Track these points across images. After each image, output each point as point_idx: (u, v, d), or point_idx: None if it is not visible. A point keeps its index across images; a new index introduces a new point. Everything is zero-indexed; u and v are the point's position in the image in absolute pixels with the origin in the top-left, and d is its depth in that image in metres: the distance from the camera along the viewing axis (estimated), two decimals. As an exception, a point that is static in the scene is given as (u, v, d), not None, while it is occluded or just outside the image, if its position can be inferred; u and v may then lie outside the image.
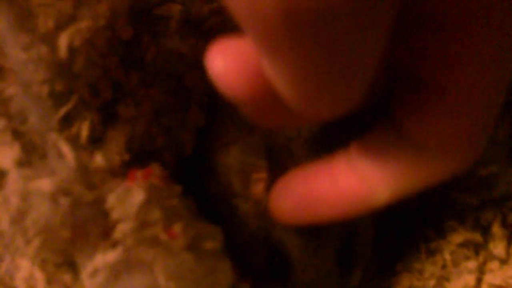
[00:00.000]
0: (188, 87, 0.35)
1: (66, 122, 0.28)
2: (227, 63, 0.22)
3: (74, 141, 0.27)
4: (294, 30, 0.15)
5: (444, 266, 0.35)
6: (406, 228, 0.39)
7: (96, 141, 0.29)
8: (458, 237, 0.35)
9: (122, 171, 0.27)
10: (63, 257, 0.23)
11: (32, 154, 0.25)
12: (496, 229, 0.34)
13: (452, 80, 0.19)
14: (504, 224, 0.34)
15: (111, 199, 0.24)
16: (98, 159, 0.26)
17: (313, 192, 0.25)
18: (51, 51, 0.27)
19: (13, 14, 0.27)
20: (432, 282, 0.35)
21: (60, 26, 0.27)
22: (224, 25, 0.37)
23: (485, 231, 0.34)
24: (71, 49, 0.27)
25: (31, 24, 0.27)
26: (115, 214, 0.23)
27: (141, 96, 0.31)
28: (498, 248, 0.34)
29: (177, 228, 0.24)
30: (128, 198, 0.24)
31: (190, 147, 0.35)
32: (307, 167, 0.27)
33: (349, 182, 0.24)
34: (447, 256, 0.35)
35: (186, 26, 0.35)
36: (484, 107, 0.19)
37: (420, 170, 0.23)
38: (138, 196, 0.24)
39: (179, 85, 0.35)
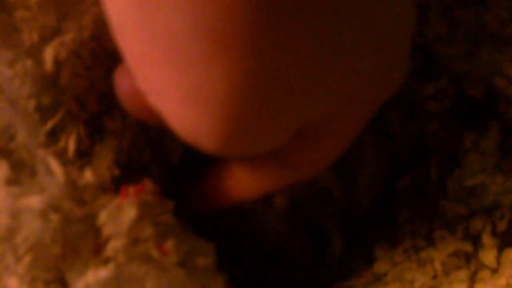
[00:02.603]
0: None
1: (53, 136, 0.27)
2: (131, 83, 0.25)
3: (61, 156, 0.27)
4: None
5: (435, 276, 0.35)
6: (397, 238, 0.39)
7: (83, 155, 0.28)
8: (448, 247, 0.35)
9: (112, 186, 0.27)
10: (54, 274, 0.22)
11: (21, 171, 0.24)
12: (486, 238, 0.34)
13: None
14: (494, 233, 0.34)
15: (103, 216, 0.23)
16: (88, 175, 0.26)
17: (212, 184, 0.32)
18: (36, 65, 0.26)
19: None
20: (423, 292, 0.35)
21: (45, 40, 0.26)
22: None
23: (475, 240, 0.34)
24: (57, 62, 0.26)
25: (15, 39, 0.27)
26: (106, 231, 0.23)
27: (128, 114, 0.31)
28: (488, 257, 0.34)
29: (169, 244, 0.24)
30: (120, 215, 0.23)
31: (177, 157, 0.35)
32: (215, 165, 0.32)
33: (230, 182, 0.31)
34: (438, 266, 0.35)
35: None
36: (337, 152, 0.28)
37: (281, 179, 0.29)
38: (129, 212, 0.23)
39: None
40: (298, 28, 0.19)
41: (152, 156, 0.32)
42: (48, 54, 0.26)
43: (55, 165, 0.25)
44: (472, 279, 0.34)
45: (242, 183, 0.30)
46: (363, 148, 0.39)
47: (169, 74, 0.20)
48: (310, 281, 0.38)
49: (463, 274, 0.34)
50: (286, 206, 0.36)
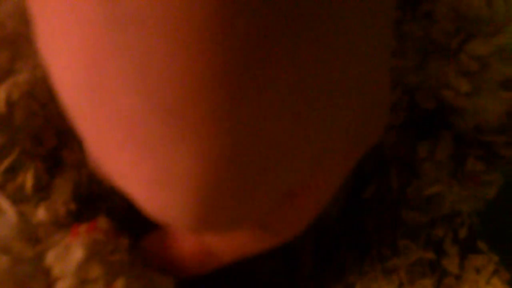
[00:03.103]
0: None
1: (10, 174, 0.28)
2: None
3: (19, 193, 0.27)
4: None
5: (400, 285, 0.36)
6: (366, 247, 0.40)
7: (42, 190, 0.29)
8: (412, 255, 0.35)
9: (67, 222, 0.27)
10: (5, 317, 0.23)
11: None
12: (448, 245, 0.35)
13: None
14: (455, 240, 0.35)
15: (51, 256, 0.24)
16: (41, 213, 0.26)
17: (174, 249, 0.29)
18: None
19: None
20: (390, 301, 0.35)
21: None
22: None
23: (438, 248, 0.35)
24: (10, 103, 0.27)
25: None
26: (55, 272, 0.23)
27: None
28: (451, 264, 0.35)
29: (119, 284, 0.24)
30: (68, 255, 0.23)
31: None
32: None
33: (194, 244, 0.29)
34: (402, 274, 0.36)
35: None
36: (319, 208, 0.28)
37: (260, 244, 0.28)
38: (77, 253, 0.24)
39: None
40: (269, 100, 0.17)
41: (113, 186, 0.32)
42: (0, 95, 0.27)
43: (6, 205, 0.25)
44: (437, 286, 0.35)
45: (216, 251, 0.28)
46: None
47: (131, 156, 0.18)
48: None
49: (428, 281, 0.35)
50: None
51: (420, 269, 0.35)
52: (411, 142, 0.35)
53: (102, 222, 0.28)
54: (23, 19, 0.28)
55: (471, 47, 0.32)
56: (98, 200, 0.31)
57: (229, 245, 0.28)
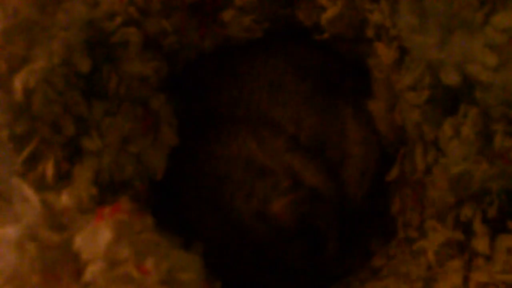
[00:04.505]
0: (155, 110, 0.35)
1: (31, 163, 0.27)
2: None
3: (40, 181, 0.27)
4: None
5: (429, 267, 0.35)
6: (391, 230, 0.39)
7: (63, 178, 0.28)
8: (440, 237, 0.35)
9: (91, 206, 0.27)
10: (35, 303, 0.23)
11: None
12: (477, 225, 0.34)
13: None
14: (485, 220, 0.34)
15: (79, 240, 0.23)
16: (65, 199, 0.26)
17: None
18: (6, 95, 0.26)
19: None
20: (419, 285, 0.35)
21: (13, 69, 0.26)
22: (182, 43, 0.37)
23: (467, 228, 0.34)
24: (27, 91, 0.26)
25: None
26: (84, 255, 0.23)
27: (106, 126, 0.31)
28: (481, 244, 0.34)
29: (149, 263, 0.24)
30: (96, 238, 0.23)
31: (162, 171, 0.35)
32: None
33: None
34: (431, 256, 0.35)
35: (145, 49, 0.34)
36: None
37: None
38: (105, 235, 0.23)
39: (145, 109, 0.35)
40: None
41: (134, 173, 0.32)
42: (18, 84, 0.27)
43: (30, 193, 0.25)
44: (467, 268, 0.34)
45: None
46: (349, 145, 0.39)
47: None
48: (308, 284, 0.38)
49: (457, 263, 0.34)
50: (286, 217, 0.36)
51: (449, 251, 0.34)
52: (436, 121, 0.34)
53: (126, 204, 0.28)
54: (38, 6, 0.28)
55: (497, 20, 0.31)
56: (120, 186, 0.31)
57: None
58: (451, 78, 0.33)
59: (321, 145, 0.39)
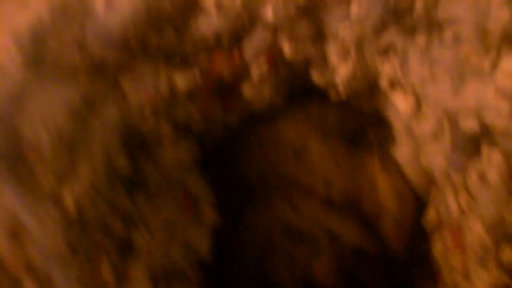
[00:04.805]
0: (193, 190, 0.37)
1: (87, 268, 0.29)
2: None
3: (100, 286, 0.29)
4: None
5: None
6: (436, 271, 0.39)
7: (120, 277, 0.30)
8: (484, 282, 0.34)
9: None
10: None
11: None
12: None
13: None
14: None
15: None
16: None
17: None
18: (57, 206, 0.28)
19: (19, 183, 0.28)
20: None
21: (61, 182, 0.28)
22: (209, 125, 0.38)
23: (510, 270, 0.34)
24: (77, 201, 0.28)
25: (33, 184, 0.29)
26: None
27: (152, 217, 0.33)
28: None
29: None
30: None
31: (207, 250, 0.36)
32: None
33: None
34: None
35: (176, 135, 0.36)
36: None
37: None
38: None
39: (184, 191, 0.36)
40: None
41: (183, 258, 0.33)
42: (67, 195, 0.28)
43: None
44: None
45: None
46: (381, 197, 0.39)
47: None
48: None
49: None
50: (331, 279, 0.36)
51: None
52: (462, 166, 0.34)
53: None
54: (77, 117, 0.30)
55: (505, 64, 0.31)
56: (173, 276, 0.32)
57: None
58: (469, 124, 0.33)
59: (354, 201, 0.39)
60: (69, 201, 0.29)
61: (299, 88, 0.40)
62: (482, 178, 0.33)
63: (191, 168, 0.37)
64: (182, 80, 0.36)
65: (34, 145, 0.29)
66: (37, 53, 0.33)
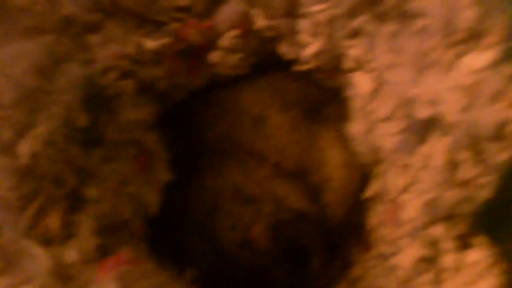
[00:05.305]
0: (148, 148, 0.37)
1: (36, 220, 0.29)
2: None
3: (46, 236, 0.29)
4: None
5: (403, 281, 0.38)
6: (369, 243, 0.42)
7: (67, 229, 0.30)
8: (412, 254, 0.38)
9: (95, 257, 0.29)
10: None
11: (10, 263, 0.27)
12: (446, 243, 0.37)
13: None
14: (453, 238, 0.37)
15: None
16: (72, 253, 0.28)
17: None
18: (12, 159, 0.28)
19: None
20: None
21: (18, 135, 0.28)
22: (173, 86, 0.39)
23: (436, 246, 0.37)
24: (33, 155, 0.28)
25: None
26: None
27: (105, 172, 0.33)
28: (449, 260, 0.37)
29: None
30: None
31: (157, 207, 0.37)
32: None
33: None
34: (404, 272, 0.38)
35: (139, 95, 0.36)
36: None
37: None
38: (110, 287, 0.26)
39: (139, 149, 0.37)
40: None
41: (132, 213, 0.34)
42: (23, 149, 0.28)
43: (39, 252, 0.27)
44: (437, 282, 0.37)
45: None
46: (330, 169, 0.42)
47: None
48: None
49: (427, 277, 0.37)
50: (266, 243, 0.38)
51: (420, 266, 0.38)
52: (409, 149, 0.37)
53: (127, 253, 0.30)
54: (41, 74, 0.29)
55: (466, 61, 0.34)
56: (119, 227, 0.33)
57: None
58: (422, 112, 0.36)
59: (304, 170, 0.41)
60: (24, 153, 0.29)
61: (265, 59, 0.41)
62: (426, 162, 0.36)
63: (149, 127, 0.38)
64: (150, 44, 0.36)
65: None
66: (2, 5, 0.33)
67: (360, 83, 0.39)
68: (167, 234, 0.38)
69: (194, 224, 0.39)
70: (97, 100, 0.32)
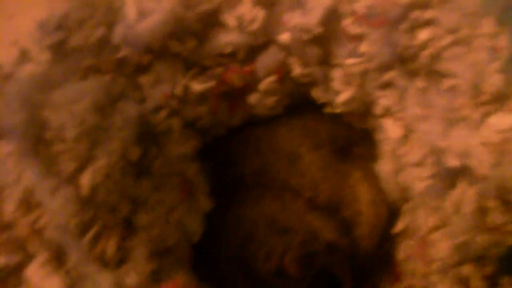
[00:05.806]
0: (191, 179, 0.40)
1: (94, 244, 0.32)
2: None
3: (102, 259, 0.32)
4: None
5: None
6: (397, 275, 0.44)
7: (122, 254, 0.33)
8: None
9: (152, 280, 0.32)
10: None
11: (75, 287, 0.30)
12: (475, 282, 0.38)
13: None
14: (481, 278, 0.39)
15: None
16: (131, 278, 0.31)
17: None
18: (74, 189, 0.31)
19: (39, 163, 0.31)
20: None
21: (80, 168, 0.31)
22: (214, 124, 0.41)
23: (466, 283, 0.39)
24: (93, 187, 0.31)
25: (55, 169, 0.32)
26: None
27: (154, 201, 0.36)
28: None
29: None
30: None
31: (199, 234, 0.40)
32: None
33: None
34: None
35: (183, 131, 0.39)
36: None
37: None
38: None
39: (183, 180, 0.40)
40: None
41: (178, 239, 0.37)
42: (85, 180, 0.32)
43: (102, 276, 0.30)
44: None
45: None
46: (360, 205, 0.44)
47: None
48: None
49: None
50: (298, 270, 0.41)
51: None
52: (439, 194, 0.39)
53: (183, 279, 0.33)
54: (100, 111, 0.32)
55: (493, 121, 0.35)
56: (169, 255, 0.36)
57: None
58: (452, 162, 0.37)
59: (335, 205, 0.44)
60: (85, 184, 0.32)
61: (298, 101, 0.43)
62: (456, 207, 0.38)
63: (192, 159, 0.41)
64: (197, 87, 0.39)
65: (58, 131, 0.32)
66: (62, 42, 0.35)
67: (390, 129, 0.40)
68: (206, 260, 0.41)
69: (230, 252, 0.42)
70: (148, 135, 0.35)
